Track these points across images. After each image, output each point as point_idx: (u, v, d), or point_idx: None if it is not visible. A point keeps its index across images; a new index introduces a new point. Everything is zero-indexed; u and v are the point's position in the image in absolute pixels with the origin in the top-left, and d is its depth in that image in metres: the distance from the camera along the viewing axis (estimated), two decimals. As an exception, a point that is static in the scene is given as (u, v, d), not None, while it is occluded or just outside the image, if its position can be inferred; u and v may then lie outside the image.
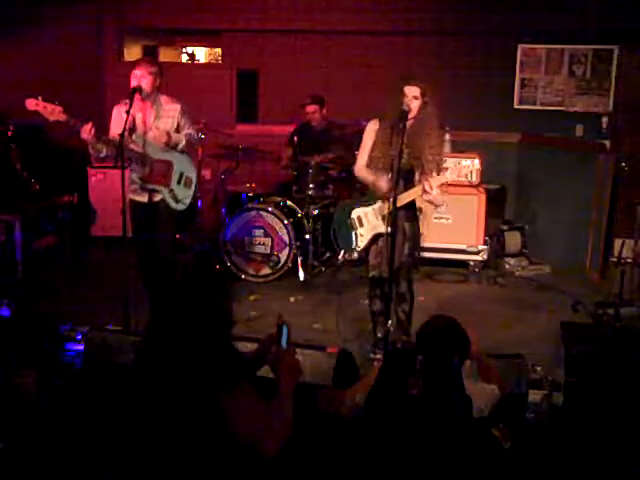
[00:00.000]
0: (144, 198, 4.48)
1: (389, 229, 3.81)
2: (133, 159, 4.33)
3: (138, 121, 4.41)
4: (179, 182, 4.55)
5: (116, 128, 4.22)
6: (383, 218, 4.00)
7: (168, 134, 4.42)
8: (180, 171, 4.55)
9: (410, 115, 3.86)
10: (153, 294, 4.66)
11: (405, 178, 3.96)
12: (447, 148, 5.95)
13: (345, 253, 4.27)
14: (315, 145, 5.93)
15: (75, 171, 6.55)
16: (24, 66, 6.51)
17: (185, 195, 4.58)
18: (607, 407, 3.11)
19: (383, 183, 3.94)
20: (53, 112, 4.02)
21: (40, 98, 4.01)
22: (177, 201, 4.54)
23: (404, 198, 3.92)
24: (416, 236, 4.16)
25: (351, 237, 4.16)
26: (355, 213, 4.17)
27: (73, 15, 6.89)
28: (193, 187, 4.65)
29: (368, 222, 4.11)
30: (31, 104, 4.01)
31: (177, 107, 4.50)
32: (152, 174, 4.40)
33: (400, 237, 3.97)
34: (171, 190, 4.51)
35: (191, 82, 7.07)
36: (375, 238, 4.10)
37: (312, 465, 2.28)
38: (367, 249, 4.15)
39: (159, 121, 4.45)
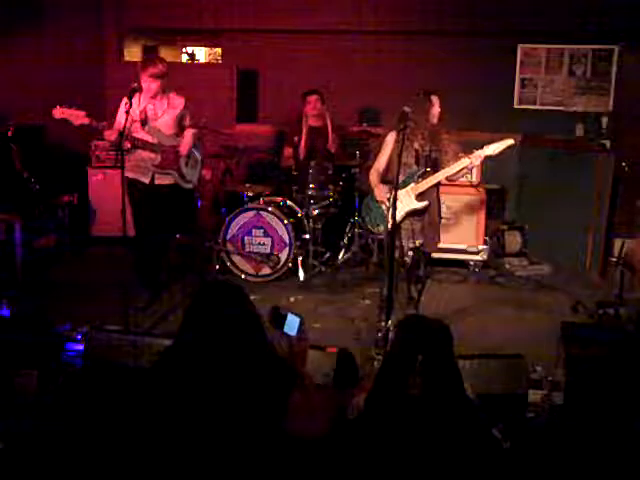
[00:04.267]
0: (146, 179, 4.82)
1: (419, 224, 4.34)
2: (144, 148, 4.71)
3: (150, 113, 4.77)
4: (187, 164, 5.00)
5: (120, 121, 4.54)
6: (417, 196, 4.34)
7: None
8: (188, 154, 4.98)
9: (434, 120, 4.36)
10: (152, 286, 5.03)
11: (430, 168, 4.35)
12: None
13: (375, 227, 4.53)
14: (315, 145, 5.93)
15: (75, 171, 6.55)
16: (25, 66, 6.51)
17: (193, 175, 5.05)
18: (607, 407, 3.11)
19: (379, 191, 4.39)
20: (78, 117, 4.40)
21: (64, 106, 4.38)
22: (186, 181, 5.00)
23: (445, 172, 4.30)
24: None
25: (382, 214, 4.37)
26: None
27: (73, 15, 6.89)
28: (199, 166, 5.14)
29: (400, 201, 4.17)
30: (57, 113, 4.39)
31: (182, 101, 4.94)
32: (163, 160, 4.80)
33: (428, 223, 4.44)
34: (181, 173, 4.93)
35: (191, 82, 7.06)
36: (407, 215, 4.36)
37: (312, 466, 2.28)
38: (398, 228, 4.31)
39: (169, 112, 4.85)
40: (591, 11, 6.32)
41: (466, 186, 6.09)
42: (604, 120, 6.51)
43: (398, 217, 4.21)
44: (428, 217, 4.45)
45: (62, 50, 6.71)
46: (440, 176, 4.33)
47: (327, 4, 6.91)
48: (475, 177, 6.20)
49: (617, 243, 5.53)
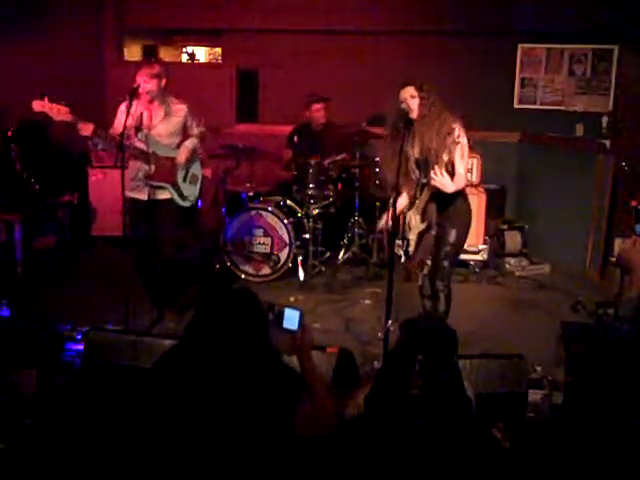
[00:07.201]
0: (143, 195, 4.55)
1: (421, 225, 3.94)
2: (137, 156, 4.41)
3: (144, 119, 4.47)
4: (185, 179, 4.68)
5: (119, 124, 4.28)
6: (421, 214, 3.97)
7: (186, 148, 4.59)
8: (186, 168, 4.66)
9: (414, 115, 3.89)
10: (153, 293, 4.72)
11: (426, 172, 3.93)
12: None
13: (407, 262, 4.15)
14: (315, 145, 5.93)
15: (75, 171, 6.55)
16: (25, 66, 6.50)
17: (191, 192, 4.72)
18: (607, 407, 3.10)
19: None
20: (59, 112, 4.06)
21: (46, 99, 4.03)
22: (183, 198, 4.67)
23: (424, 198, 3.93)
24: (460, 235, 4.04)
25: (405, 247, 4.05)
26: (407, 217, 4.05)
27: (74, 15, 6.89)
28: (199, 184, 4.79)
29: (414, 225, 4.03)
30: (37, 105, 4.04)
31: (184, 107, 4.63)
32: (157, 171, 4.50)
33: (434, 234, 4.01)
34: (177, 187, 4.62)
35: (191, 82, 7.05)
36: (419, 238, 4.04)
37: (311, 466, 2.28)
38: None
39: (167, 120, 4.55)
40: (591, 11, 6.32)
41: (466, 186, 6.08)
42: (604, 120, 6.51)
43: (413, 246, 4.02)
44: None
45: (62, 50, 6.71)
46: (427, 196, 3.95)
47: (327, 4, 6.92)
48: (475, 177, 6.20)
49: (617, 243, 5.53)
